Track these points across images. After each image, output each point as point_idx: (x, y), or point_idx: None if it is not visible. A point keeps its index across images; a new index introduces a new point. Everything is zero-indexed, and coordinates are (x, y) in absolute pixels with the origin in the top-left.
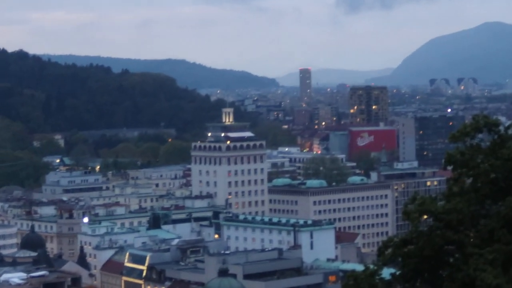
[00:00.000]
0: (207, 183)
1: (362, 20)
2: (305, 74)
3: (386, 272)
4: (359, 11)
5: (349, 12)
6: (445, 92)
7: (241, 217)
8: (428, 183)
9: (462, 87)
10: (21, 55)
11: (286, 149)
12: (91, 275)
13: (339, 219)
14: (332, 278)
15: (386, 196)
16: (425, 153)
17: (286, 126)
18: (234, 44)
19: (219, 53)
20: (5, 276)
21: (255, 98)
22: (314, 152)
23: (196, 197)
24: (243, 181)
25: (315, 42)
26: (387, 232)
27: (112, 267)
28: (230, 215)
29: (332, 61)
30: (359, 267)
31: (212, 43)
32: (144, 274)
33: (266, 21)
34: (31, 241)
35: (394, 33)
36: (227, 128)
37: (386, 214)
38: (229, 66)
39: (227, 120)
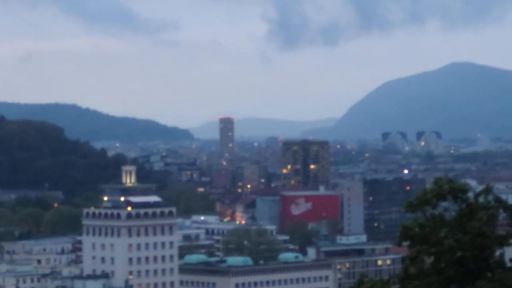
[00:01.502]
0: (102, 259)
1: (299, 58)
2: (226, 125)
3: None
4: (295, 47)
5: (283, 48)
6: (401, 149)
7: None
8: (379, 262)
9: (423, 143)
10: None
11: (202, 217)
12: None
13: None
14: None
15: (326, 277)
16: (375, 224)
17: (202, 189)
18: (138, 86)
19: (119, 97)
20: None
21: (164, 154)
22: (237, 222)
23: (88, 277)
24: (147, 258)
25: (239, 85)
26: None
27: None
28: None
29: (260, 109)
30: None
31: (110, 84)
32: None
33: (178, 57)
34: None
35: (339, 75)
36: (128, 191)
37: None
38: (131, 114)
39: (128, 181)
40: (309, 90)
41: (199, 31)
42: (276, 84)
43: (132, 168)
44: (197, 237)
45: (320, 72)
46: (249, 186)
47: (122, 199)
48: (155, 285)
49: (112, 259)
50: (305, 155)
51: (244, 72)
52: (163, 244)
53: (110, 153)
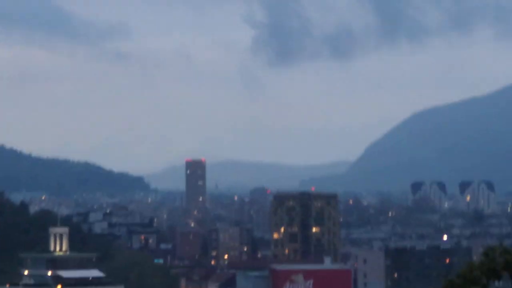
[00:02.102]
0: None
1: (296, 77)
2: (195, 170)
3: None
4: (291, 63)
5: (274, 64)
6: (439, 205)
7: None
8: None
9: (468, 198)
10: None
11: None
12: None
13: None
14: None
15: None
16: None
17: (161, 261)
18: (73, 116)
19: (47, 131)
20: None
21: (108, 211)
22: None
23: None
24: None
25: (214, 115)
26: None
27: None
28: None
29: (242, 148)
30: None
31: (35, 113)
32: None
33: (129, 75)
34: None
35: (352, 102)
36: (57, 262)
37: None
38: (63, 155)
39: (58, 248)
40: (311, 123)
41: (158, 40)
42: (264, 114)
43: (64, 230)
44: None
45: (326, 98)
46: (226, 256)
47: (50, 273)
48: None
49: None
50: (305, 213)
51: (220, 96)
52: None
53: (34, 209)
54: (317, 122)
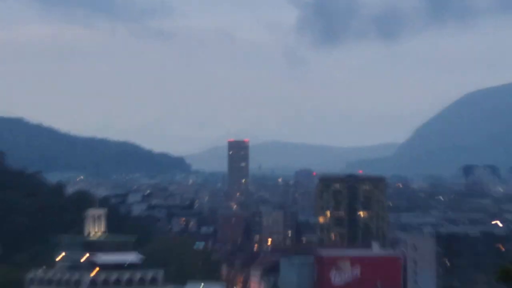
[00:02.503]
0: None
1: (343, 58)
2: (237, 151)
3: None
4: (338, 43)
5: (320, 44)
6: (492, 189)
7: None
8: None
9: None
10: None
11: (201, 286)
12: None
13: None
14: None
15: None
16: None
17: (202, 245)
18: (113, 95)
19: (85, 110)
20: None
21: (147, 192)
22: None
23: None
24: None
25: (258, 95)
26: None
27: None
28: None
29: (287, 129)
30: None
31: (72, 91)
32: None
33: (171, 54)
34: None
35: (400, 83)
36: (94, 246)
37: None
38: (101, 134)
39: (94, 230)
40: (358, 104)
41: (200, 19)
42: (309, 95)
43: (101, 212)
44: None
45: (373, 79)
46: (269, 241)
47: (85, 257)
48: None
49: None
50: (352, 197)
51: (264, 76)
52: None
53: (70, 190)
54: (364, 103)
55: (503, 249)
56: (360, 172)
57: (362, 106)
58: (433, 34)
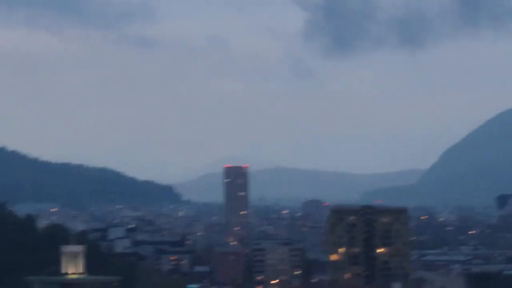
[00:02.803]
0: None
1: (358, 69)
2: (235, 179)
3: None
4: (352, 52)
5: (332, 54)
6: None
7: None
8: None
9: None
10: None
11: None
12: None
13: None
14: None
15: None
16: None
17: (195, 287)
18: (89, 113)
19: (58, 131)
20: None
21: (131, 226)
22: None
23: None
24: None
25: (258, 114)
26: None
27: None
28: None
29: (293, 153)
30: None
31: (41, 110)
32: None
33: (155, 66)
34: None
35: (426, 99)
36: None
37: None
38: (75, 159)
39: (72, 270)
40: (376, 124)
41: (188, 23)
42: (319, 113)
43: (79, 249)
44: None
45: (394, 93)
46: (274, 282)
47: None
48: None
49: None
50: (369, 231)
51: (265, 91)
52: None
53: (42, 224)
54: (383, 122)
55: None
56: (379, 202)
57: (381, 126)
58: (464, 40)
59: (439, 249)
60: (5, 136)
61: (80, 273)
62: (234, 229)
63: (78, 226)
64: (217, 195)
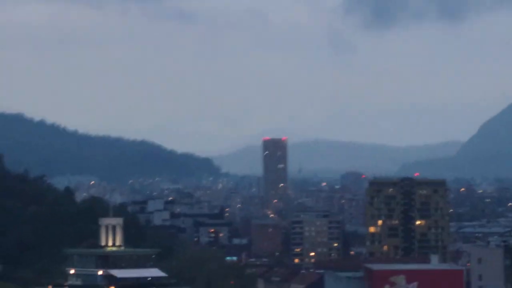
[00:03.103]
0: None
1: (395, 43)
2: (274, 151)
3: None
4: (392, 24)
5: (370, 26)
6: None
7: None
8: None
9: None
10: None
11: None
12: None
13: None
14: None
15: None
16: None
17: (234, 259)
18: (128, 87)
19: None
20: None
21: (170, 199)
22: None
23: None
24: None
25: (296, 86)
26: None
27: None
28: None
29: (331, 125)
30: None
31: (80, 83)
32: None
33: (194, 39)
34: None
35: (464, 70)
36: (109, 260)
37: None
38: (116, 131)
39: (110, 242)
40: (415, 96)
41: None
42: (358, 86)
43: (117, 221)
44: None
45: (433, 66)
46: (312, 254)
47: (101, 272)
48: None
49: None
50: (408, 203)
51: (304, 65)
52: None
53: (81, 196)
54: (422, 95)
55: None
56: (417, 174)
57: (420, 98)
58: (504, 13)
59: (478, 221)
60: (44, 109)
61: (118, 246)
62: (273, 201)
63: (117, 198)
64: (256, 168)
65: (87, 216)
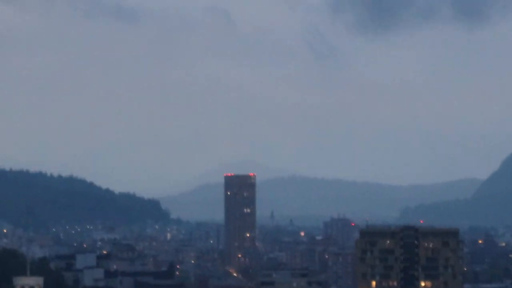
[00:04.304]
0: None
1: (393, 51)
2: (239, 191)
3: None
4: (387, 29)
5: (362, 30)
6: None
7: None
8: None
9: None
10: None
11: None
12: None
13: None
14: None
15: None
16: None
17: None
18: (48, 110)
19: (8, 130)
20: None
21: (104, 252)
22: None
23: None
24: None
25: (269, 106)
26: None
27: None
28: None
29: (313, 158)
30: None
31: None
32: None
33: (138, 44)
34: None
35: (483, 87)
36: None
37: None
38: (34, 166)
39: None
40: (419, 120)
41: None
42: (346, 106)
43: (37, 281)
44: None
45: (444, 81)
46: None
47: None
48: None
49: None
50: (410, 259)
51: (278, 77)
52: None
53: None
54: (428, 119)
55: None
56: (422, 222)
57: (426, 122)
58: None
59: (500, 283)
60: None
61: None
62: (237, 256)
63: (36, 251)
64: (215, 213)
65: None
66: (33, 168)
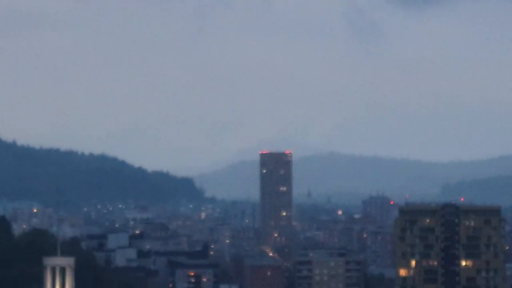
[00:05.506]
0: None
1: (440, 25)
2: (275, 169)
3: None
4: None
5: (403, 3)
6: None
7: None
8: None
9: None
10: None
11: None
12: None
13: None
14: None
15: None
16: None
17: None
18: (78, 89)
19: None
20: None
21: (137, 232)
22: None
23: None
24: None
25: (306, 85)
26: None
27: None
28: None
29: (351, 136)
30: None
31: (17, 82)
32: None
33: (170, 22)
34: None
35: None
36: None
37: None
38: (65, 143)
39: None
40: (461, 96)
41: None
42: (386, 83)
43: (68, 262)
44: None
45: (488, 56)
46: None
47: None
48: None
49: None
50: (450, 238)
51: (315, 55)
52: None
53: (20, 228)
54: (470, 93)
55: None
56: (462, 200)
57: (468, 97)
58: None
59: None
60: None
61: None
62: (273, 235)
63: (67, 231)
64: (250, 191)
65: (28, 254)
66: (64, 146)
